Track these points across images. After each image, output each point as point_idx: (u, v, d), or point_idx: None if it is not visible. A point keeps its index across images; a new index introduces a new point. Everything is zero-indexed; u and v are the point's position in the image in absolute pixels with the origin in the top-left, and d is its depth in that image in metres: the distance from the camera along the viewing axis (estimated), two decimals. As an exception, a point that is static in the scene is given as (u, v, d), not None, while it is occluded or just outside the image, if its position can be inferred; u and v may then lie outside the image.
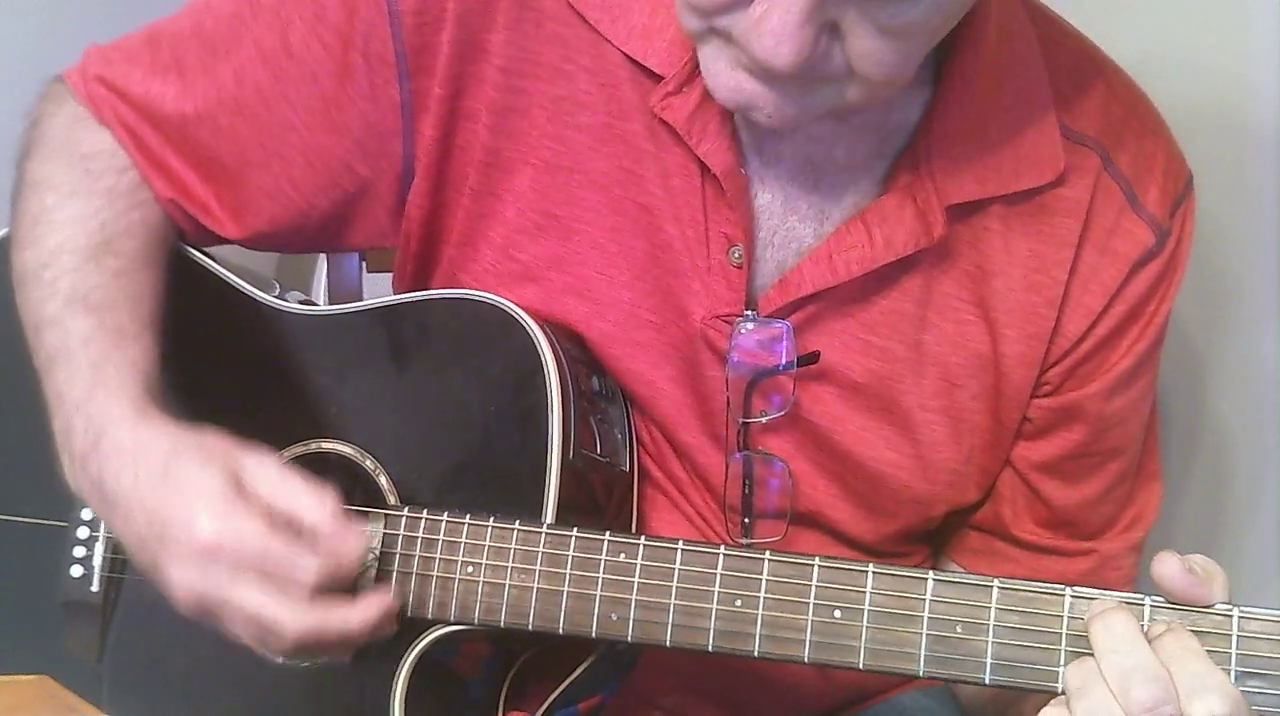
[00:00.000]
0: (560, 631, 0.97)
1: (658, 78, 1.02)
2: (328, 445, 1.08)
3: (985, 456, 1.12)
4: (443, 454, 1.06)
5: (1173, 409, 1.37)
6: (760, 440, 1.09)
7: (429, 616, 1.01)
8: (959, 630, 0.89)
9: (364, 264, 1.63)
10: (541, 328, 1.04)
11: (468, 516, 1.00)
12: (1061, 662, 0.87)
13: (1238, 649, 0.85)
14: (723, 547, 0.95)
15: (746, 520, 1.10)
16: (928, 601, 0.90)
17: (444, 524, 1.01)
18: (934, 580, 0.90)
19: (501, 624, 0.99)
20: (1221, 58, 1.34)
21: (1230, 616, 0.85)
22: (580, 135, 1.06)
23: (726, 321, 1.05)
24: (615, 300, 1.08)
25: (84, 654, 1.12)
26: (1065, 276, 1.06)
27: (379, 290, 1.20)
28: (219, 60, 1.10)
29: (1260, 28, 1.30)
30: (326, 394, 1.10)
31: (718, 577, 0.94)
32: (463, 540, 1.00)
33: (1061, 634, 0.88)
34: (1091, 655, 0.85)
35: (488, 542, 1.00)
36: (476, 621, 0.99)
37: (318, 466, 1.08)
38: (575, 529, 0.98)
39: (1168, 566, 0.86)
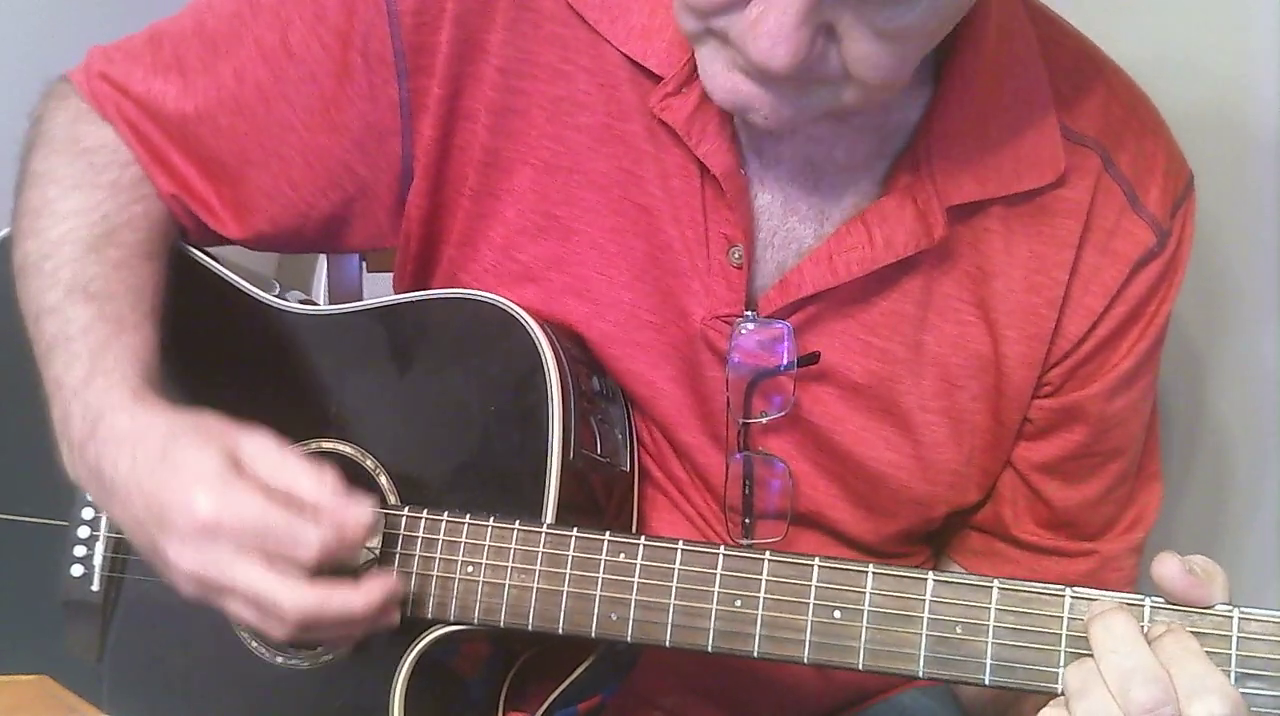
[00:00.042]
0: (560, 631, 0.97)
1: (657, 78, 1.02)
2: (328, 445, 1.08)
3: (986, 457, 1.12)
4: (443, 454, 1.06)
5: (1173, 409, 1.37)
6: (760, 440, 1.09)
7: (429, 616, 1.00)
8: (959, 630, 0.89)
9: (364, 264, 1.63)
10: (542, 327, 1.04)
11: (468, 516, 1.00)
12: (1061, 663, 0.87)
13: (1238, 650, 0.85)
14: (722, 548, 0.95)
15: (747, 520, 1.10)
16: (927, 602, 0.90)
17: (444, 524, 1.01)
18: (934, 580, 0.90)
19: (501, 624, 0.99)
20: (1221, 58, 1.34)
21: (1230, 617, 0.85)
22: (579, 135, 1.06)
23: (726, 322, 1.05)
24: (615, 300, 1.08)
25: (84, 653, 1.12)
26: (1066, 277, 1.06)
27: (379, 290, 1.20)
28: (219, 59, 1.10)
29: (1260, 28, 1.30)
30: (327, 394, 1.10)
31: (717, 578, 0.94)
32: (463, 540, 1.00)
33: (1061, 635, 0.88)
34: (1091, 656, 0.85)
35: (488, 542, 1.00)
36: (476, 621, 0.99)
37: (317, 466, 1.09)
38: (575, 529, 0.98)
39: (1168, 567, 0.85)
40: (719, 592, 0.94)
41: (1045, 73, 1.05)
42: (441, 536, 1.01)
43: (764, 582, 0.93)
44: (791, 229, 1.06)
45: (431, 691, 1.03)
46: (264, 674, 1.06)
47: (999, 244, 1.05)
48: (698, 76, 0.97)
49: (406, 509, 1.03)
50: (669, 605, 0.95)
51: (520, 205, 1.08)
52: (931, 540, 1.21)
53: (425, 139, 1.08)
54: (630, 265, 1.07)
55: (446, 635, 1.01)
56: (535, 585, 0.98)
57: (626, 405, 1.12)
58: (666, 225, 1.06)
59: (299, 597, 0.92)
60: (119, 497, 0.97)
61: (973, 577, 0.90)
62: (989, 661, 0.89)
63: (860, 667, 0.91)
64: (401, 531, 1.02)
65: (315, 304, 1.18)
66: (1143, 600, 0.87)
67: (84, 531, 1.13)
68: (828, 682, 1.17)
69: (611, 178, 1.06)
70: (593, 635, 0.97)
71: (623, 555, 0.96)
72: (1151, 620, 0.86)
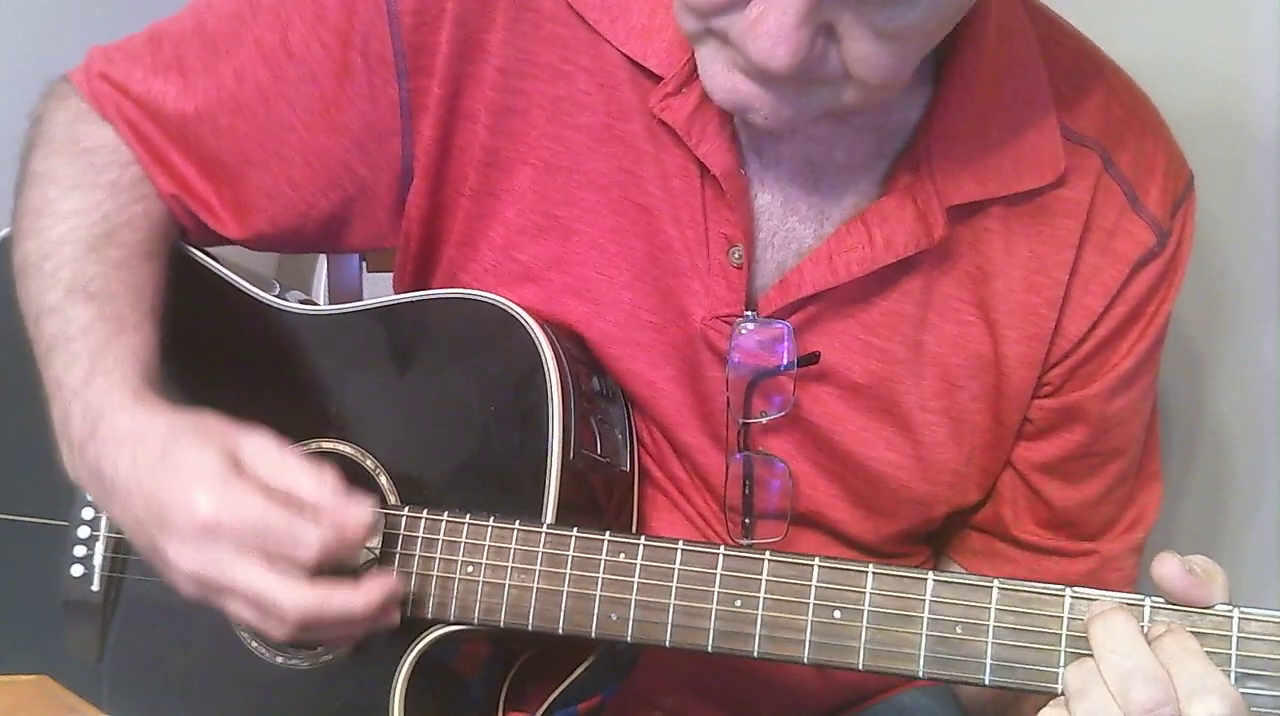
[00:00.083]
0: (560, 631, 0.97)
1: (657, 78, 1.02)
2: (328, 445, 1.08)
3: (986, 457, 1.12)
4: (443, 454, 1.06)
5: (1173, 409, 1.37)
6: (760, 440, 1.09)
7: (429, 616, 1.00)
8: (959, 630, 0.89)
9: (364, 264, 1.63)
10: (542, 327, 1.04)
11: (468, 516, 1.00)
12: (1061, 663, 0.87)
13: (1238, 650, 0.85)
14: (722, 548, 0.95)
15: (747, 520, 1.10)
16: (927, 602, 0.90)
17: (444, 524, 1.01)
18: (933, 580, 0.90)
19: (501, 624, 0.99)
20: (1221, 58, 1.34)
21: (1230, 617, 0.85)
22: (579, 135, 1.06)
23: (726, 322, 1.05)
24: (615, 300, 1.08)
25: (84, 653, 1.12)
26: (1066, 277, 1.06)
27: (379, 290, 1.20)
28: (219, 59, 1.10)
29: (1260, 28, 1.30)
30: (327, 394, 1.10)
31: (717, 578, 0.94)
32: (463, 540, 1.00)
33: (1061, 635, 0.87)
34: (1091, 656, 0.85)
35: (488, 542, 1.00)
36: (476, 621, 0.99)
37: (318, 466, 1.09)
38: (575, 529, 0.98)
39: (1168, 567, 0.85)
40: (719, 593, 0.94)
41: (1045, 73, 1.05)
42: (441, 536, 1.01)
43: (764, 582, 0.93)
44: (791, 229, 1.05)
45: (431, 691, 1.03)
46: (264, 674, 1.06)
47: (999, 244, 1.05)
48: (698, 76, 0.96)
49: (406, 509, 1.03)
50: (669, 605, 0.95)
51: (520, 205, 1.08)
52: (932, 540, 1.21)
53: (425, 139, 1.08)
54: (630, 265, 1.07)
55: (446, 635, 1.01)
56: (535, 585, 0.98)
57: (626, 405, 1.12)
58: (666, 225, 1.06)
59: (299, 597, 0.92)
60: (119, 498, 0.97)
61: (973, 577, 0.90)
62: (989, 661, 0.88)
63: (860, 668, 0.91)
64: (401, 531, 1.02)
65: (315, 304, 1.18)
66: (1143, 600, 0.87)
67: (84, 531, 1.13)
68: (828, 683, 1.17)
69: (611, 177, 1.06)
70: (593, 635, 0.97)
71: (623, 555, 0.96)
72: (1151, 620, 0.86)
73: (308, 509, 0.92)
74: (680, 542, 0.96)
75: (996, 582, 0.89)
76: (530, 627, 0.98)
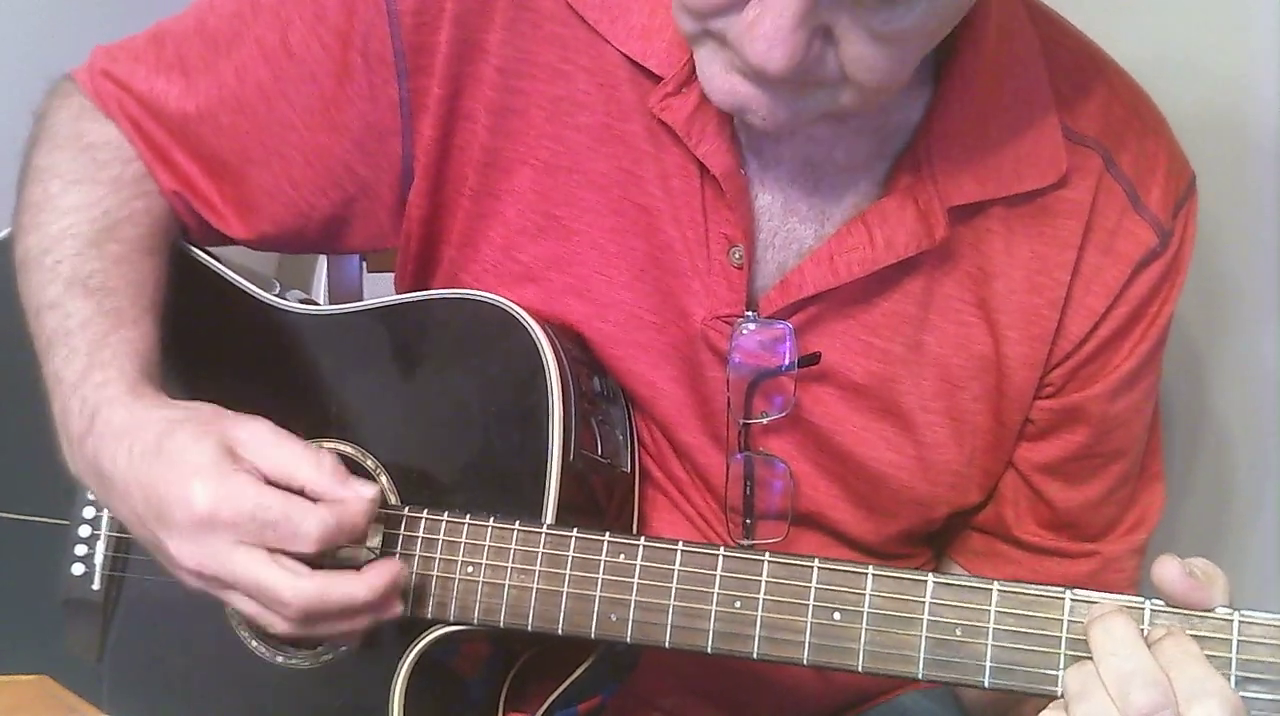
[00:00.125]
0: (559, 632, 0.97)
1: (657, 78, 1.02)
2: (329, 445, 1.08)
3: (987, 458, 1.11)
4: (444, 454, 1.06)
5: (1175, 410, 1.36)
6: (761, 441, 1.09)
7: (428, 616, 1.00)
8: (958, 633, 0.89)
9: (364, 264, 1.63)
10: (543, 328, 1.04)
11: (468, 516, 1.00)
12: (1061, 666, 0.87)
13: (1238, 653, 0.84)
14: (722, 549, 0.95)
15: (748, 521, 1.10)
16: (927, 604, 0.90)
17: (444, 524, 1.01)
18: (933, 582, 0.90)
19: (501, 624, 0.99)
20: (1221, 58, 1.34)
21: (1231, 621, 0.85)
22: (579, 135, 1.06)
23: (727, 322, 1.05)
24: (615, 300, 1.08)
25: (84, 652, 1.12)
26: (1067, 278, 1.06)
27: (379, 290, 1.21)
28: (221, 58, 1.10)
29: (1260, 28, 1.30)
30: (328, 393, 1.10)
31: (717, 579, 0.94)
32: (463, 540, 1.00)
33: (1061, 637, 0.87)
34: (1091, 658, 0.85)
35: (488, 543, 1.00)
36: (476, 621, 0.99)
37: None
38: (575, 529, 0.98)
39: (1168, 570, 0.85)
40: (718, 594, 0.94)
41: (1046, 73, 1.05)
42: (441, 536, 1.01)
43: (764, 584, 0.93)
44: (792, 229, 1.05)
45: (431, 691, 1.03)
46: (264, 673, 1.06)
47: (1000, 244, 1.05)
48: (697, 77, 0.96)
49: (407, 509, 1.03)
50: (668, 606, 0.95)
51: (520, 205, 1.08)
52: (933, 541, 1.21)
53: (425, 139, 1.08)
54: (630, 265, 1.07)
55: (446, 635, 1.01)
56: (535, 585, 0.98)
57: (627, 406, 1.12)
58: (667, 225, 1.06)
59: (300, 587, 0.92)
60: (118, 492, 0.97)
61: (973, 580, 0.90)
62: (988, 664, 0.88)
63: (860, 669, 0.91)
64: (402, 531, 1.02)
65: (316, 303, 1.18)
66: (1143, 603, 0.87)
67: (85, 530, 1.13)
68: (828, 684, 1.16)
69: (611, 178, 1.06)
70: (592, 636, 0.97)
71: (622, 556, 0.96)
72: (1151, 623, 0.86)
73: (306, 493, 0.92)
74: (680, 543, 0.96)
75: (996, 585, 0.89)
76: (530, 628, 0.98)
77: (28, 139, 1.14)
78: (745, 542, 1.10)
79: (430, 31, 1.05)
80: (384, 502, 1.04)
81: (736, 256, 1.04)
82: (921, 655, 0.90)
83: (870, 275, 1.03)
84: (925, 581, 0.90)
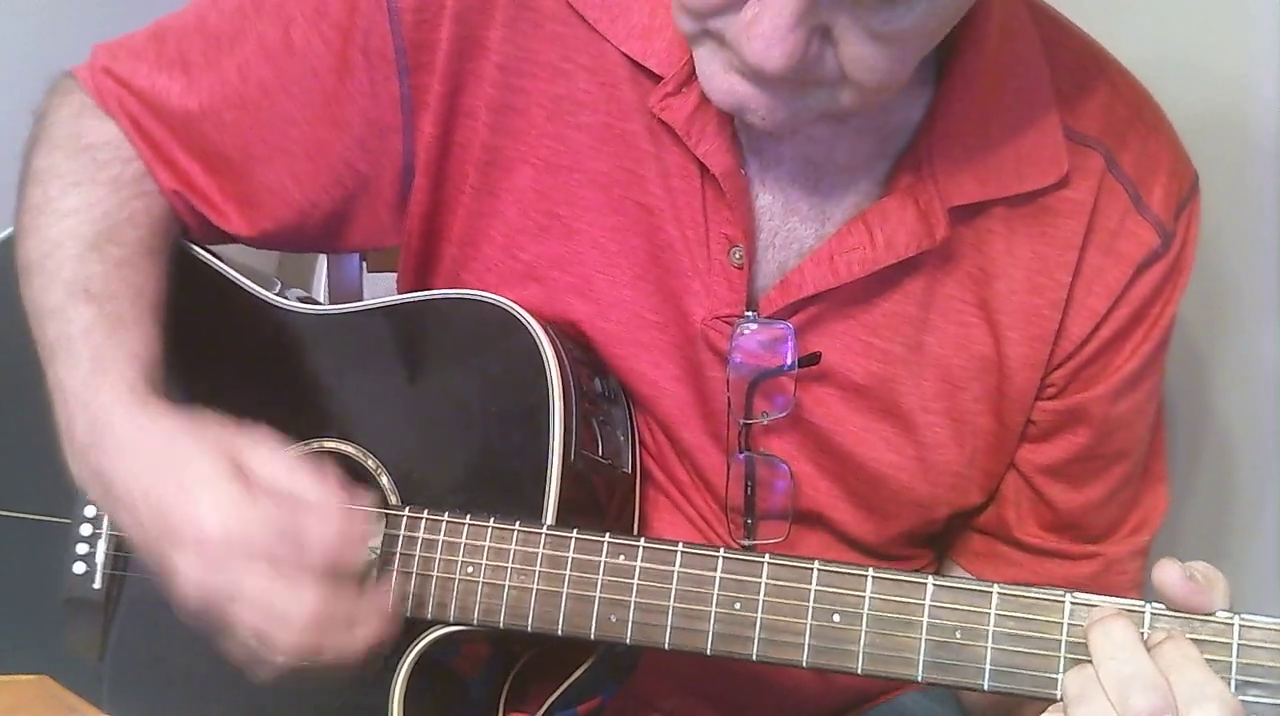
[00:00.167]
0: (559, 632, 0.97)
1: (657, 78, 1.02)
2: (329, 444, 1.08)
3: (988, 459, 1.11)
4: (444, 454, 1.06)
5: (1177, 411, 1.36)
6: (762, 441, 1.09)
7: (428, 616, 1.00)
8: (958, 635, 0.89)
9: (364, 264, 1.63)
10: (544, 328, 1.04)
11: (468, 516, 1.00)
12: (1060, 669, 0.87)
13: (1238, 657, 0.84)
14: (722, 550, 0.94)
15: (749, 521, 1.10)
16: (927, 606, 0.90)
17: (444, 524, 1.01)
18: (933, 585, 0.90)
19: (500, 624, 0.99)
20: (1221, 58, 1.33)
21: (1231, 624, 0.85)
22: (580, 134, 1.06)
23: (727, 322, 1.05)
24: (617, 300, 1.08)
25: (85, 652, 1.12)
26: (1069, 278, 1.05)
27: (379, 290, 1.21)
28: (223, 55, 1.10)
29: (1260, 28, 1.30)
30: (329, 393, 1.10)
31: (717, 580, 0.94)
32: (463, 540, 1.00)
33: (1061, 640, 0.87)
34: (1090, 662, 0.85)
35: (488, 543, 0.99)
36: (476, 622, 0.99)
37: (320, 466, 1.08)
38: (575, 530, 0.98)
39: (1168, 573, 0.85)
40: (718, 595, 0.94)
41: (1048, 72, 1.04)
42: (442, 537, 1.01)
43: (763, 585, 0.93)
44: (792, 229, 1.05)
45: (431, 692, 1.03)
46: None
47: (1001, 245, 1.05)
48: (697, 77, 0.96)
49: (407, 509, 1.03)
50: (668, 607, 0.95)
51: (521, 204, 1.08)
52: (934, 543, 1.20)
53: (426, 136, 1.08)
54: (632, 264, 1.07)
55: (446, 635, 1.01)
56: (535, 586, 0.98)
57: (629, 406, 1.11)
58: (667, 225, 1.05)
59: (305, 603, 0.92)
60: (123, 504, 0.97)
61: (973, 582, 0.90)
62: (988, 666, 0.88)
63: (859, 672, 0.91)
64: (402, 531, 1.02)
65: (317, 302, 1.18)
66: (1143, 606, 0.86)
67: (86, 528, 1.13)
68: (828, 686, 1.16)
69: (612, 177, 1.06)
70: (592, 636, 0.97)
71: (622, 557, 0.96)
72: (1151, 626, 0.86)
73: (313, 512, 0.92)
74: (680, 545, 0.95)
75: (996, 587, 0.89)
76: (530, 628, 0.98)
77: (28, 139, 1.14)
78: (746, 543, 1.10)
79: (431, 28, 1.05)
80: (385, 502, 1.05)
81: (737, 256, 1.04)
82: (921, 657, 0.90)
83: (871, 275, 1.03)
84: (925, 584, 0.90)
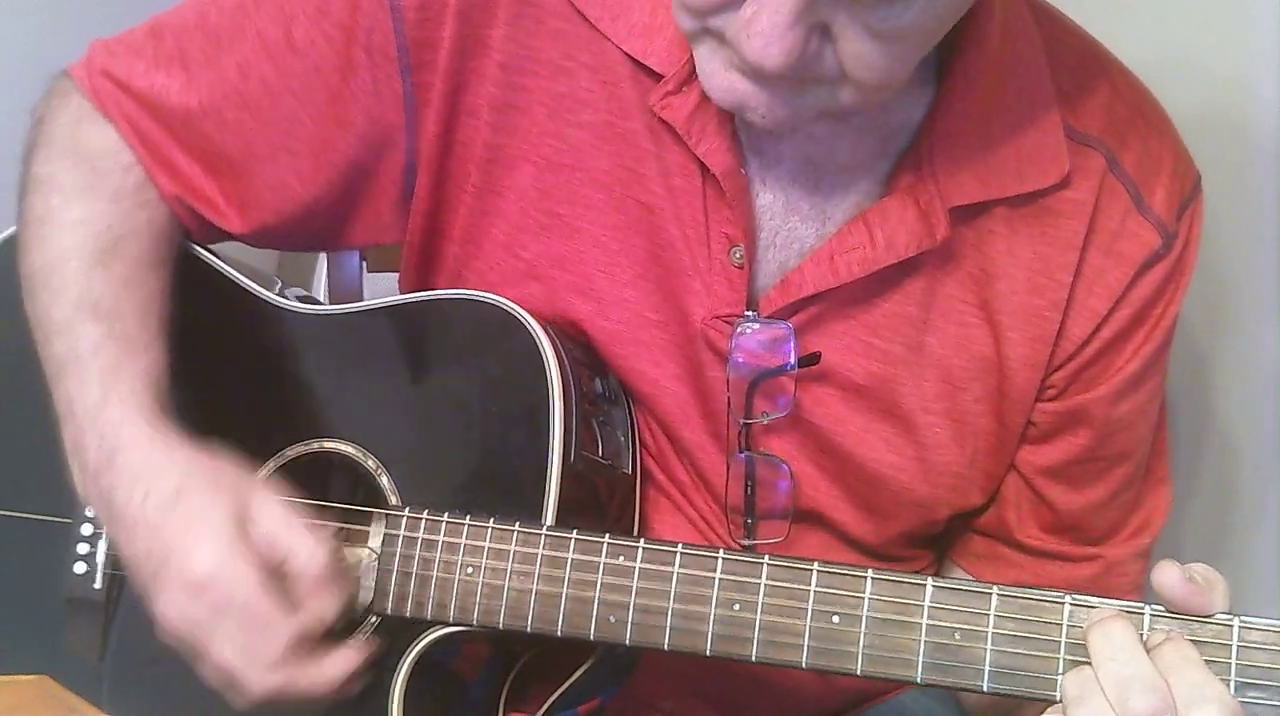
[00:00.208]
0: (559, 633, 0.97)
1: (658, 76, 1.02)
2: (329, 444, 1.08)
3: (989, 460, 1.11)
4: (444, 454, 1.06)
5: (1178, 411, 1.35)
6: (762, 441, 1.08)
7: (428, 617, 1.01)
8: (957, 637, 0.89)
9: (364, 264, 1.62)
10: (544, 328, 1.04)
11: (468, 517, 1.00)
12: (1060, 671, 0.87)
13: (1237, 659, 0.84)
14: (721, 551, 0.94)
15: (749, 521, 1.10)
16: (926, 607, 0.89)
17: (444, 524, 1.01)
18: (933, 586, 0.90)
19: (500, 625, 0.99)
20: (1221, 58, 1.33)
21: (1230, 626, 0.85)
22: (581, 133, 1.06)
23: (727, 322, 1.05)
24: (618, 299, 1.08)
25: (85, 652, 1.12)
26: (1070, 279, 1.05)
27: (379, 290, 1.21)
28: (223, 52, 1.10)
29: (1260, 28, 1.29)
30: (328, 393, 1.10)
31: (716, 581, 0.94)
32: (462, 541, 1.00)
33: (1060, 641, 0.87)
34: (1090, 663, 0.85)
35: (487, 543, 0.99)
36: (475, 622, 0.99)
37: (319, 466, 1.08)
38: (574, 531, 0.98)
39: (1168, 575, 0.85)
40: (718, 596, 0.94)
41: (1049, 72, 1.04)
42: (441, 537, 1.01)
43: (763, 586, 0.93)
44: (793, 229, 1.05)
45: (431, 692, 1.03)
46: (264, 674, 1.06)
47: (1002, 245, 1.05)
48: (697, 75, 0.96)
49: (407, 509, 1.03)
50: (668, 608, 0.95)
51: (522, 202, 1.08)
52: (935, 543, 1.20)
53: (429, 134, 1.08)
54: (632, 263, 1.07)
55: (446, 636, 1.01)
56: (534, 587, 0.98)
57: (629, 407, 1.11)
58: (668, 224, 1.05)
59: (264, 680, 0.95)
60: (125, 528, 0.99)
61: (972, 583, 0.90)
62: (987, 668, 0.88)
63: (859, 673, 0.91)
64: (402, 532, 1.02)
65: (317, 301, 1.18)
66: (1142, 608, 0.86)
67: (87, 528, 1.13)
68: (827, 686, 1.16)
69: (613, 175, 1.06)
70: (591, 637, 0.97)
71: (622, 557, 0.96)
72: (1151, 628, 0.86)
73: (291, 579, 0.96)
74: (679, 546, 0.95)
75: (996, 589, 0.89)
76: (529, 629, 0.98)
77: (26, 143, 1.14)
78: (746, 543, 1.10)
79: (434, 26, 1.05)
80: (385, 502, 1.05)
81: (737, 256, 1.04)
82: (920, 658, 0.89)
83: (871, 275, 1.03)
84: (924, 585, 0.90)
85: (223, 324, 1.15)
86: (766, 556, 0.94)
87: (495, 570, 0.99)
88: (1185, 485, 1.38)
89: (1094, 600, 0.87)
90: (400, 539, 1.02)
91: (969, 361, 1.07)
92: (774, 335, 1.04)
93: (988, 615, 0.88)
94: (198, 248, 1.17)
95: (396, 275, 1.20)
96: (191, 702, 1.09)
